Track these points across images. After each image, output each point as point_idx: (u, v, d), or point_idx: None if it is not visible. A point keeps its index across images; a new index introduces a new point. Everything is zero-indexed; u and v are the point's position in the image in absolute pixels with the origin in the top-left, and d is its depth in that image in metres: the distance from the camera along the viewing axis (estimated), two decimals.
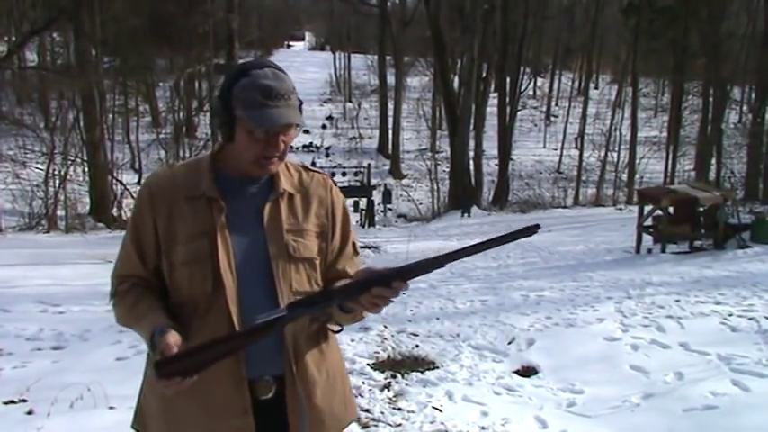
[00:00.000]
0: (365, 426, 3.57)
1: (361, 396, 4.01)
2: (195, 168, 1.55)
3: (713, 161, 20.58)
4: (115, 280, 1.58)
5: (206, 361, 1.34)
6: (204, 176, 1.52)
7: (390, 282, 1.36)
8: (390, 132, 30.07)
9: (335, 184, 1.69)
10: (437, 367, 4.74)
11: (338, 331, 1.59)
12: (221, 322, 1.45)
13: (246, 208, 1.53)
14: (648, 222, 10.53)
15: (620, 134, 26.82)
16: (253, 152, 1.47)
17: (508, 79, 23.18)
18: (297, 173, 1.62)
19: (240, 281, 1.48)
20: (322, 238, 1.59)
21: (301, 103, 1.52)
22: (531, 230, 1.38)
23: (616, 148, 26.01)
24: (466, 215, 18.36)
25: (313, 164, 17.28)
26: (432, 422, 3.63)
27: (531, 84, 34.63)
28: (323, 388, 1.57)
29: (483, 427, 3.56)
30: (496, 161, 24.30)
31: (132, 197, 17.74)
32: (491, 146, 25.38)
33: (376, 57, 32.43)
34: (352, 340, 5.25)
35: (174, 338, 1.35)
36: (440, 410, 3.80)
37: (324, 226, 1.60)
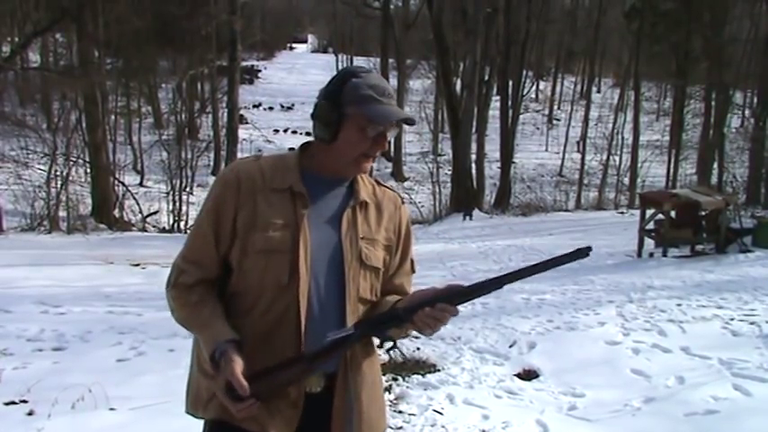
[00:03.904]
0: None
1: None
2: (281, 164, 1.59)
3: (715, 165, 20.53)
4: (180, 265, 1.56)
5: (278, 385, 1.44)
6: (291, 172, 1.56)
7: (437, 303, 1.46)
8: None
9: (404, 203, 1.73)
10: (438, 370, 4.74)
11: (390, 348, 1.65)
12: (289, 314, 1.48)
13: (327, 209, 1.57)
14: (650, 226, 10.52)
15: (623, 138, 26.75)
16: (359, 150, 1.52)
17: (510, 82, 23.12)
18: (371, 185, 1.66)
19: (312, 277, 1.50)
20: (387, 251, 1.63)
21: None
22: (583, 253, 1.46)
23: (618, 152, 25.93)
24: (467, 218, 18.32)
25: None
26: (432, 425, 3.63)
27: (534, 87, 34.55)
28: (368, 392, 1.59)
29: (484, 431, 3.56)
30: (498, 164, 24.23)
31: (134, 198, 17.75)
32: (493, 149, 25.31)
33: (378, 59, 32.35)
34: None
35: (239, 367, 1.38)
36: (441, 414, 3.80)
37: (390, 240, 1.65)
